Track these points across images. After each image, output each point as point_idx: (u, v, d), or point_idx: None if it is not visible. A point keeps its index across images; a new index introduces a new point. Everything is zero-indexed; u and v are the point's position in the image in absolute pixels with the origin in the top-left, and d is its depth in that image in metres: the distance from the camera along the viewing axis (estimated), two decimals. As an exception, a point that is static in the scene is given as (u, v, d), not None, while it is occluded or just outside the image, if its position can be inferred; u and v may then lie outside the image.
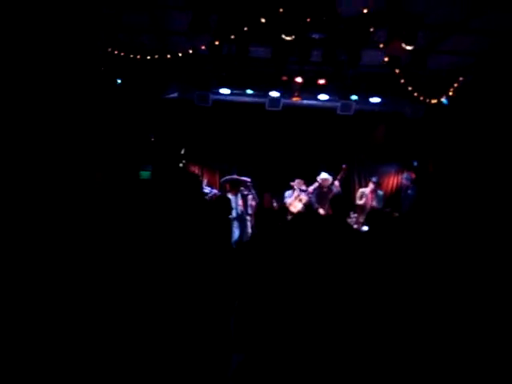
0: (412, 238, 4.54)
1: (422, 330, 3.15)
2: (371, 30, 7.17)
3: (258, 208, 9.62)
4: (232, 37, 7.20)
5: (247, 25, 7.00)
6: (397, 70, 8.38)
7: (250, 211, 10.03)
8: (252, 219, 9.63)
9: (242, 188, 10.04)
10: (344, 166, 10.14)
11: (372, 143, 11.88)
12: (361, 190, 10.76)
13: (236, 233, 9.48)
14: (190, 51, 7.80)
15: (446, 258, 4.13)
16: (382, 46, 7.36)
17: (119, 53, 8.87)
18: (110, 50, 9.00)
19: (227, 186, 10.26)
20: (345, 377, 2.85)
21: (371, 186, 10.47)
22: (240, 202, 9.87)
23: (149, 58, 8.35)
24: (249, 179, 10.21)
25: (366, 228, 9.61)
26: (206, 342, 3.02)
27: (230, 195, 9.93)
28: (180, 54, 8.00)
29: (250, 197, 10.12)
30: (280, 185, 10.47)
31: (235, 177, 10.32)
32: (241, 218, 9.73)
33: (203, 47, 7.46)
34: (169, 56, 8.21)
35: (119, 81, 9.88)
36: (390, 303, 3.31)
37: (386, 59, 7.73)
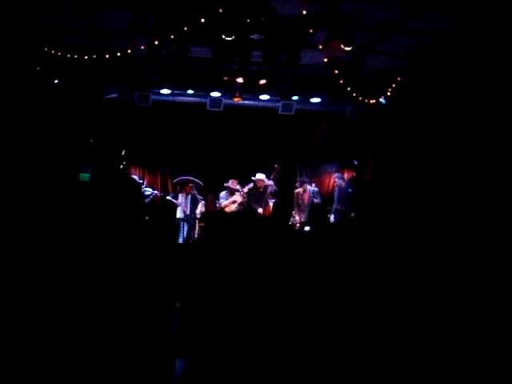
0: (361, 237, 4.54)
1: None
2: (310, 31, 7.23)
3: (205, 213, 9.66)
4: (171, 36, 7.09)
5: (187, 24, 6.92)
6: (336, 71, 8.49)
7: (198, 215, 10.00)
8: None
9: (194, 192, 10.02)
10: (276, 165, 10.23)
11: (313, 143, 11.99)
12: (295, 191, 10.85)
13: (184, 233, 9.47)
14: (129, 51, 7.66)
15: (391, 257, 4.12)
16: (320, 46, 7.42)
17: (56, 53, 8.61)
18: (46, 49, 8.73)
19: (178, 187, 10.27)
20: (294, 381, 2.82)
21: (303, 185, 10.62)
22: (188, 204, 9.85)
23: (86, 57, 8.13)
24: (200, 182, 10.23)
25: (307, 228, 9.81)
26: (148, 347, 2.95)
27: (180, 196, 9.92)
28: (118, 54, 7.84)
29: (202, 202, 10.11)
30: (221, 184, 10.43)
31: (186, 178, 10.28)
32: (187, 219, 9.71)
33: (142, 47, 7.33)
34: (107, 56, 8.03)
35: (56, 81, 9.59)
36: (333, 302, 3.30)
37: (326, 60, 7.82)
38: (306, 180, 10.74)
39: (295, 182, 12.23)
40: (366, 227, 4.20)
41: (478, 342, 2.79)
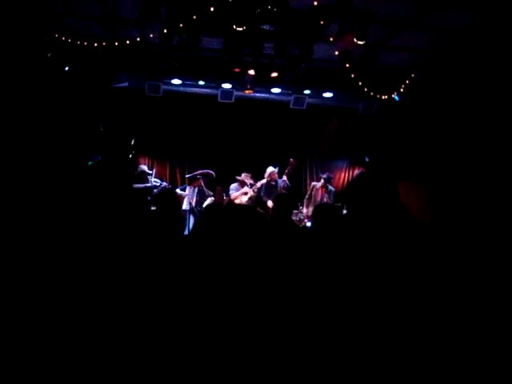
0: (359, 235, 4.44)
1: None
2: (322, 23, 7.08)
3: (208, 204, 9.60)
4: (181, 25, 6.98)
5: (197, 13, 6.81)
6: (348, 64, 8.33)
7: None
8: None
9: (202, 185, 9.96)
10: (291, 160, 10.11)
11: (324, 138, 11.86)
12: (313, 183, 10.77)
13: (190, 225, 9.43)
14: (138, 39, 7.56)
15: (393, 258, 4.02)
16: (331, 39, 7.28)
17: (66, 39, 8.55)
18: (57, 35, 8.68)
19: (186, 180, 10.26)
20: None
21: (322, 182, 10.47)
22: (196, 196, 9.79)
23: (96, 45, 8.04)
24: (213, 173, 10.19)
25: (309, 224, 9.69)
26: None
27: (188, 188, 9.87)
28: (128, 42, 7.75)
29: (210, 198, 10.04)
30: (231, 178, 10.32)
31: (198, 172, 10.20)
32: (193, 211, 9.65)
33: (152, 35, 7.23)
34: (116, 43, 7.93)
35: (67, 68, 9.54)
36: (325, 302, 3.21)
37: (337, 53, 7.67)
38: (328, 177, 10.57)
39: (305, 177, 12.16)
40: (357, 224, 4.06)
41: (478, 341, 2.76)
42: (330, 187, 10.57)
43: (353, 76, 8.48)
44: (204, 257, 3.34)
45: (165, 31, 7.22)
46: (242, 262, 3.29)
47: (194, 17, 6.78)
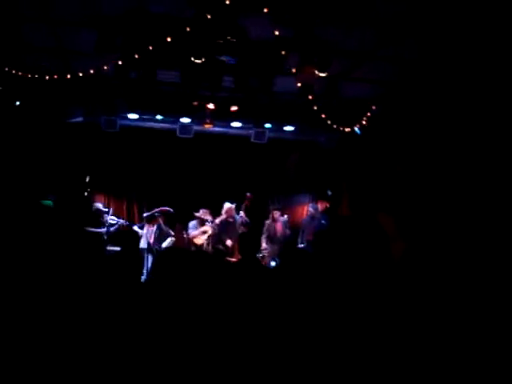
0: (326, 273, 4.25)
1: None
2: (283, 53, 6.92)
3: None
4: (136, 56, 6.73)
5: (153, 44, 6.57)
6: (310, 97, 8.19)
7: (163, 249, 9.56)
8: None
9: (160, 222, 9.59)
10: (248, 194, 9.87)
11: (286, 172, 11.66)
12: (266, 222, 10.41)
13: (148, 264, 9.04)
14: (92, 71, 7.26)
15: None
16: (294, 70, 7.13)
17: (17, 72, 8.18)
18: (7, 69, 8.30)
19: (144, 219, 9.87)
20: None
21: (275, 215, 10.23)
22: (154, 234, 9.42)
23: (48, 78, 7.70)
24: (171, 210, 9.85)
25: (273, 263, 9.42)
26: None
27: (146, 226, 9.49)
28: (81, 74, 7.43)
29: (171, 238, 9.67)
30: (190, 214, 9.99)
31: (157, 210, 9.82)
32: (151, 250, 9.27)
33: (106, 67, 6.96)
34: (69, 76, 7.60)
35: (18, 103, 9.13)
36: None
37: (299, 85, 7.53)
38: (278, 207, 10.35)
39: (268, 213, 11.89)
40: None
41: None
42: (283, 218, 10.35)
43: (315, 108, 8.33)
44: (162, 308, 3.05)
45: (120, 63, 6.93)
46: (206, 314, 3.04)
47: (151, 47, 6.53)
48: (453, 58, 7.39)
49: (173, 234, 9.84)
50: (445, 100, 7.87)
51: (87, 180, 10.54)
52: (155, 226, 9.54)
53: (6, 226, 8.48)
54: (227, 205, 9.79)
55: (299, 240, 10.32)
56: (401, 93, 8.84)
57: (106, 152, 10.82)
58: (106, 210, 9.88)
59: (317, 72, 7.21)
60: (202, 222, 9.66)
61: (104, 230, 9.34)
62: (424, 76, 8.11)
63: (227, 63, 7.18)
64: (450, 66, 7.53)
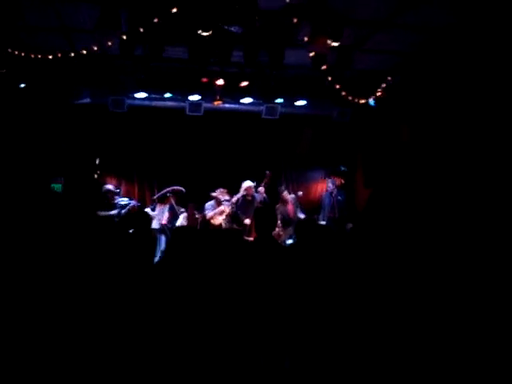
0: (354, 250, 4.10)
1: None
2: (294, 20, 6.62)
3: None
4: (141, 30, 6.46)
5: (158, 16, 6.29)
6: (324, 67, 7.89)
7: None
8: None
9: (172, 202, 9.47)
10: (268, 172, 9.61)
11: (299, 148, 11.39)
12: (276, 206, 10.14)
13: (162, 245, 8.88)
14: (95, 48, 7.01)
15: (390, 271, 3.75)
16: (306, 39, 6.83)
17: (20, 53, 7.95)
18: (10, 50, 8.07)
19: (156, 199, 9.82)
20: None
21: (283, 196, 10.02)
22: (166, 214, 9.22)
23: (51, 57, 7.47)
24: (182, 189, 9.73)
25: (290, 241, 9.21)
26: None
27: (158, 207, 9.33)
28: (84, 52, 7.18)
29: (183, 215, 9.48)
30: (203, 194, 9.81)
31: (166, 191, 9.63)
32: (164, 230, 9.11)
33: (111, 44, 6.69)
34: (72, 54, 7.36)
35: (22, 85, 8.92)
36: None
37: (311, 55, 7.23)
38: (284, 189, 10.10)
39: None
40: (364, 241, 3.74)
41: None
42: (291, 196, 10.16)
43: (329, 79, 8.02)
44: (175, 288, 2.92)
45: (124, 38, 6.67)
46: (219, 293, 2.91)
47: (156, 20, 6.25)
48: (475, 25, 7.06)
49: (184, 210, 9.69)
50: (466, 71, 7.54)
51: (97, 162, 10.36)
52: (167, 206, 9.38)
53: (15, 212, 8.38)
54: (247, 183, 9.57)
55: (320, 217, 10.11)
56: (418, 63, 8.50)
57: (114, 133, 10.60)
58: (117, 190, 9.72)
59: (329, 42, 6.89)
60: (219, 202, 9.47)
61: (115, 212, 9.20)
62: (447, 45, 7.75)
63: (236, 33, 6.87)
64: (472, 33, 7.19)
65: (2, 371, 2.73)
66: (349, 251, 4.17)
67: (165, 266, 3.65)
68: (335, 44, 6.91)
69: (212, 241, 3.45)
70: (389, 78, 8.95)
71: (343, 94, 8.49)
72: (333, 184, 10.36)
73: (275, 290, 3.52)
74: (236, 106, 10.15)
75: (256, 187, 9.57)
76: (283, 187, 10.25)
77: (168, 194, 9.48)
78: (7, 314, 3.15)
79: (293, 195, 10.24)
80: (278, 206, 9.96)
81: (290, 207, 9.87)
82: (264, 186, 9.52)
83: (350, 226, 9.80)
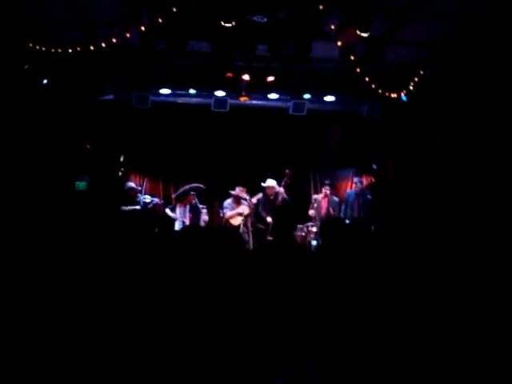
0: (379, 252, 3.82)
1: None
2: (320, 7, 6.30)
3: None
4: (160, 20, 6.22)
5: (178, 5, 6.04)
6: (352, 63, 7.55)
7: (202, 224, 9.15)
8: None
9: (195, 201, 9.17)
10: (287, 171, 9.28)
11: (327, 146, 11.03)
12: (314, 196, 10.03)
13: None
14: (114, 40, 6.80)
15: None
16: (333, 27, 6.52)
17: (42, 47, 7.80)
18: (31, 45, 7.93)
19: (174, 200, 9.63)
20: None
21: (324, 191, 9.71)
22: (188, 215, 8.99)
23: (71, 51, 7.30)
24: (202, 185, 9.50)
25: (314, 243, 8.90)
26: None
27: (178, 207, 9.10)
28: (103, 45, 6.98)
29: (204, 211, 9.25)
30: (227, 192, 9.53)
31: (184, 188, 9.41)
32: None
33: (129, 35, 6.49)
34: (92, 48, 7.17)
35: (45, 81, 8.78)
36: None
37: (340, 43, 6.88)
38: (329, 183, 9.78)
39: (308, 189, 11.33)
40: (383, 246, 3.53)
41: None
42: (334, 197, 9.78)
43: (358, 71, 7.67)
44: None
45: (143, 29, 6.43)
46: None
47: (175, 9, 6.00)
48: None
49: (205, 206, 9.51)
50: (503, 62, 7.11)
51: (121, 160, 10.20)
52: (188, 206, 9.12)
53: (40, 210, 8.27)
54: (269, 181, 9.34)
55: (341, 214, 9.75)
56: (453, 54, 8.07)
57: (139, 130, 10.45)
58: (139, 188, 9.53)
59: (359, 32, 6.56)
60: (238, 201, 9.21)
61: (139, 208, 9.03)
62: (482, 35, 7.32)
63: (260, 23, 6.56)
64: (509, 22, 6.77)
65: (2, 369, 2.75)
66: (377, 253, 3.91)
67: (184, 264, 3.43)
68: (365, 35, 6.56)
69: (225, 240, 3.19)
70: (421, 72, 8.54)
71: (373, 87, 8.12)
72: (360, 183, 9.97)
73: (290, 294, 3.31)
74: (262, 103, 9.90)
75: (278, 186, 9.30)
76: (328, 182, 9.94)
77: (191, 193, 9.22)
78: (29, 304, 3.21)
79: (337, 199, 9.91)
80: (315, 196, 9.88)
81: (324, 202, 9.58)
82: (283, 186, 9.20)
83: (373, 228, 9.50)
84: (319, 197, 9.78)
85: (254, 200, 9.17)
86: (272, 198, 9.25)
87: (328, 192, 9.61)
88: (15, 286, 3.46)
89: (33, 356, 2.81)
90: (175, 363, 2.75)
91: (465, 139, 7.90)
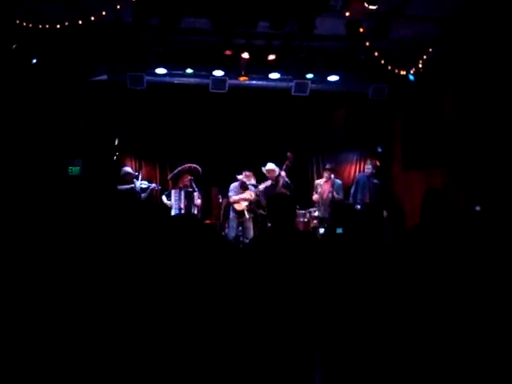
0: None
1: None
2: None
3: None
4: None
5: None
6: (358, 41, 7.14)
7: (195, 211, 8.78)
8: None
9: (187, 184, 8.78)
10: (289, 153, 8.95)
11: (331, 128, 10.65)
12: (316, 181, 9.67)
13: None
14: (104, 13, 6.37)
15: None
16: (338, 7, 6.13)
17: (28, 24, 7.36)
18: (18, 22, 7.49)
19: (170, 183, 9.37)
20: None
21: (325, 174, 9.35)
22: (183, 200, 8.62)
23: (59, 27, 6.87)
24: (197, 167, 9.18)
25: (322, 230, 8.56)
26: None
27: (173, 192, 8.73)
28: (93, 18, 6.55)
29: (195, 194, 8.86)
30: (226, 176, 9.27)
31: (180, 169, 9.05)
32: (184, 216, 8.49)
33: (119, 6, 6.05)
34: (80, 22, 6.74)
35: (34, 60, 8.36)
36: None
37: (347, 15, 6.46)
38: (330, 168, 9.39)
39: (311, 174, 10.96)
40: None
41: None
42: (337, 180, 9.39)
43: (367, 44, 7.25)
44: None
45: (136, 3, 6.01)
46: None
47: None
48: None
49: (199, 188, 9.13)
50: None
51: (116, 143, 9.79)
52: (183, 192, 8.73)
53: (32, 195, 7.93)
54: (269, 165, 9.00)
55: (350, 199, 9.38)
56: (463, 31, 7.62)
57: (134, 112, 10.06)
58: (136, 173, 9.18)
59: (366, 5, 6.13)
60: (244, 186, 8.90)
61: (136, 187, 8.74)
62: (495, 11, 6.88)
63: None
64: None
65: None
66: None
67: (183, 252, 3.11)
68: (373, 7, 6.14)
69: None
70: (429, 50, 8.11)
71: (382, 62, 7.69)
72: (373, 167, 9.56)
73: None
74: (263, 83, 9.56)
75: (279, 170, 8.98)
76: (331, 165, 9.57)
77: (188, 177, 8.85)
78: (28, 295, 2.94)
79: (340, 181, 9.51)
80: (318, 181, 9.55)
81: (325, 186, 9.20)
82: (285, 170, 8.86)
83: (385, 213, 9.13)
84: (321, 181, 9.41)
85: (261, 187, 8.86)
86: (273, 182, 8.90)
87: (331, 176, 9.21)
88: (7, 273, 3.17)
89: (26, 347, 2.64)
90: (176, 358, 2.57)
91: (475, 117, 7.51)
